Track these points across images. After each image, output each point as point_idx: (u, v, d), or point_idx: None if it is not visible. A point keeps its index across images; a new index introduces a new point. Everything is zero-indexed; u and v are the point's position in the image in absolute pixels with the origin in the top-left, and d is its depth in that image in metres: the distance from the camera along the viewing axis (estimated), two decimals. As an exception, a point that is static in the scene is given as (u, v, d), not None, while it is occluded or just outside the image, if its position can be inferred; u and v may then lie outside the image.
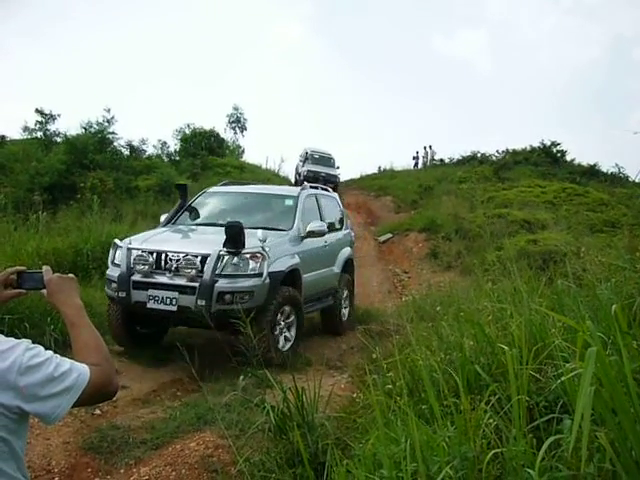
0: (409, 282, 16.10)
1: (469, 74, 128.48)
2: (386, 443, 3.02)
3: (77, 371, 1.80)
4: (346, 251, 10.79)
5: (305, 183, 10.62)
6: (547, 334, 3.53)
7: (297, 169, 32.31)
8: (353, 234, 11.78)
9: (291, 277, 8.19)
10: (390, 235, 20.75)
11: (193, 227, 9.14)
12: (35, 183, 19.15)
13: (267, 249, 7.50)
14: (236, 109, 37.20)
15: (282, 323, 7.92)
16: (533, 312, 3.98)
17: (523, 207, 19.87)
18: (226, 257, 7.33)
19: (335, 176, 30.14)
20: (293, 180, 32.04)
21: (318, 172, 29.12)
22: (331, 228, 10.12)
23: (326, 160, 31.11)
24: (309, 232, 8.71)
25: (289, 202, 9.32)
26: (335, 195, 11.75)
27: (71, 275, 2.13)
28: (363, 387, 5.20)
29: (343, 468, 3.29)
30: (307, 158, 30.76)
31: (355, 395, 5.51)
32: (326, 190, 11.34)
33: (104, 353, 1.94)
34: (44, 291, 2.07)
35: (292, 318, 8.08)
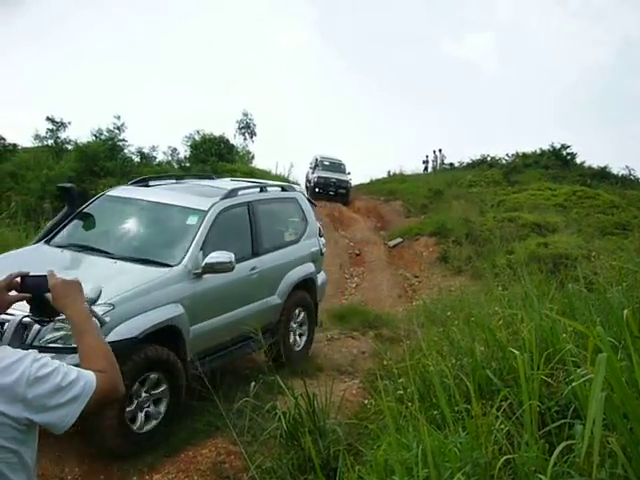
0: (419, 286, 16.06)
1: (477, 77, 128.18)
2: (398, 449, 3.02)
3: (84, 379, 1.80)
4: (302, 270, 8.20)
5: (235, 186, 7.77)
6: (558, 339, 3.52)
7: (307, 176, 31.64)
8: (323, 241, 9.10)
9: (170, 334, 5.88)
10: (400, 240, 20.71)
11: (57, 252, 6.56)
12: (46, 191, 19.23)
13: (106, 310, 5.07)
14: (245, 115, 37.13)
15: (135, 402, 5.47)
16: (544, 317, 3.97)
17: (533, 210, 19.84)
18: (35, 325, 4.99)
19: (346, 182, 29.42)
20: (304, 188, 31.55)
21: (328, 178, 28.68)
22: (276, 245, 7.91)
23: (336, 166, 30.34)
24: (206, 266, 6.21)
25: (192, 219, 6.70)
26: (296, 194, 8.89)
27: (76, 279, 2.11)
28: (374, 393, 5.19)
29: (355, 474, 3.30)
30: (317, 165, 30.13)
31: (366, 401, 5.51)
32: (283, 190, 8.78)
33: (110, 359, 1.94)
34: (49, 295, 2.06)
35: (160, 389, 5.69)
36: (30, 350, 1.81)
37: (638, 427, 1.98)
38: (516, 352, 3.03)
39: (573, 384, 2.62)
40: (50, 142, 24.91)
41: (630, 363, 2.22)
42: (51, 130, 24.93)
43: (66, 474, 5.08)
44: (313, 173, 29.77)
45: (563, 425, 2.72)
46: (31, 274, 2.12)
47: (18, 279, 2.10)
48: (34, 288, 2.10)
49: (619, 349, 2.77)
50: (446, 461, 2.77)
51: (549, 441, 2.66)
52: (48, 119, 24.88)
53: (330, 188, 28.47)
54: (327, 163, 30.31)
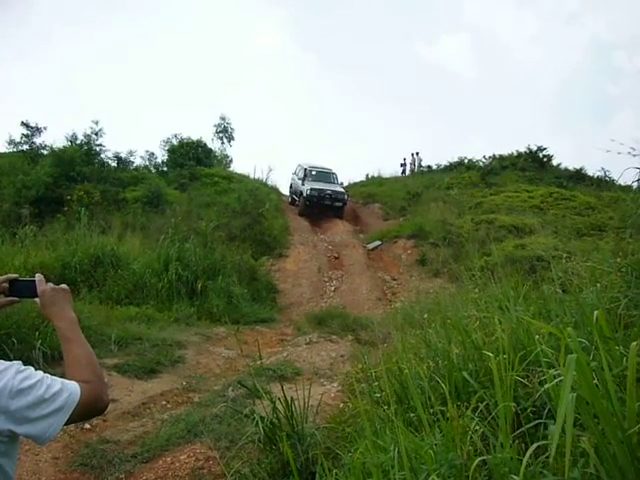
0: (398, 289, 16.15)
1: (453, 80, 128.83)
2: (374, 452, 3.03)
3: (68, 391, 1.78)
4: None
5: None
6: (532, 340, 3.55)
7: (292, 186, 28.78)
8: None
9: None
10: (379, 242, 20.79)
11: None
12: (21, 196, 19.11)
13: None
14: (223, 119, 37.03)
15: None
16: (519, 319, 4.00)
17: (510, 212, 20.01)
18: None
19: (342, 193, 26.04)
20: (289, 198, 29.09)
21: (323, 190, 25.46)
22: None
23: (327, 176, 27.38)
24: None
25: None
26: None
27: (64, 286, 2.09)
28: (352, 396, 5.20)
29: (332, 478, 3.30)
30: (306, 175, 26.82)
31: (343, 404, 5.52)
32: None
33: (95, 369, 1.93)
34: (37, 300, 2.04)
35: None
36: (14, 361, 1.79)
37: (608, 427, 2.01)
38: (490, 354, 3.04)
39: (546, 385, 2.65)
40: (25, 147, 24.71)
41: (601, 364, 2.25)
42: (26, 135, 24.73)
43: (42, 483, 5.04)
44: (303, 184, 26.35)
45: (539, 426, 2.74)
46: (20, 279, 2.11)
47: (6, 284, 2.09)
48: (23, 293, 2.09)
49: (592, 350, 2.80)
50: (422, 463, 2.78)
51: (525, 441, 2.68)
52: (23, 124, 24.70)
53: (325, 201, 25.40)
54: (315, 172, 27.28)
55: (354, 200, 28.36)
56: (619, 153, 4.45)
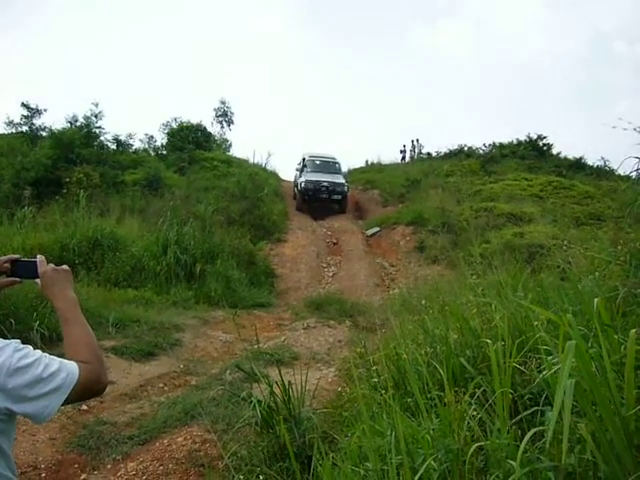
0: (396, 275, 16.15)
1: (454, 67, 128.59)
2: (371, 436, 3.03)
3: (66, 370, 1.78)
4: None
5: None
6: (531, 327, 3.55)
7: (295, 180, 26.03)
8: None
9: None
10: (378, 229, 20.77)
11: None
12: (20, 178, 19.04)
13: None
14: (223, 103, 36.93)
15: None
16: (517, 306, 4.01)
17: (510, 200, 19.95)
18: None
19: (342, 185, 23.58)
20: (292, 192, 26.23)
21: (319, 181, 23.14)
22: None
23: (329, 165, 25.13)
24: None
25: None
26: None
27: (65, 267, 2.09)
28: (349, 381, 5.21)
29: (329, 462, 3.30)
30: (305, 165, 24.68)
31: (341, 389, 5.53)
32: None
33: (95, 350, 1.92)
34: (38, 281, 2.05)
35: None
36: (12, 340, 1.79)
37: (606, 414, 2.01)
38: (488, 341, 3.05)
39: (544, 372, 2.65)
40: (24, 129, 24.59)
41: (600, 351, 2.25)
42: (26, 117, 24.62)
43: (39, 463, 5.06)
44: (300, 176, 24.27)
45: (536, 412, 2.74)
46: (22, 259, 2.11)
47: (8, 264, 2.09)
48: (24, 273, 2.10)
49: (590, 338, 2.80)
50: (419, 448, 2.78)
51: (522, 428, 2.68)
52: (23, 105, 24.58)
53: (321, 194, 23.22)
54: (318, 162, 24.97)
55: (353, 186, 28.19)
56: (625, 129, 4.46)
